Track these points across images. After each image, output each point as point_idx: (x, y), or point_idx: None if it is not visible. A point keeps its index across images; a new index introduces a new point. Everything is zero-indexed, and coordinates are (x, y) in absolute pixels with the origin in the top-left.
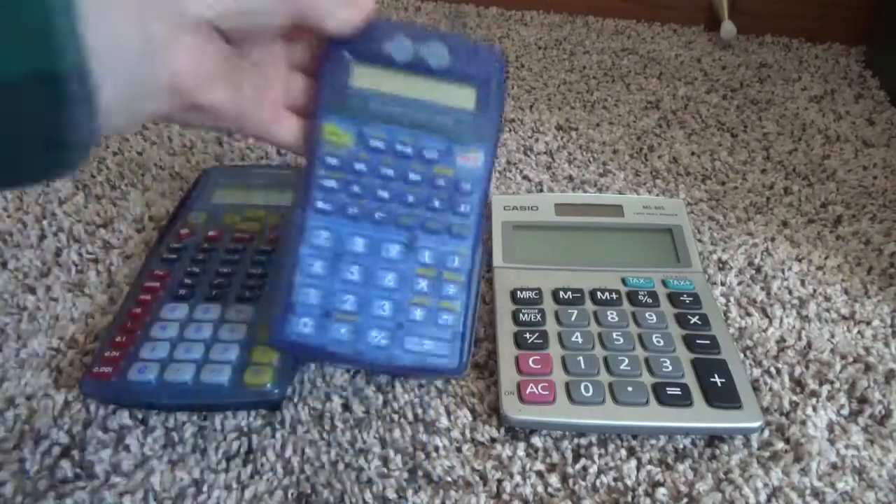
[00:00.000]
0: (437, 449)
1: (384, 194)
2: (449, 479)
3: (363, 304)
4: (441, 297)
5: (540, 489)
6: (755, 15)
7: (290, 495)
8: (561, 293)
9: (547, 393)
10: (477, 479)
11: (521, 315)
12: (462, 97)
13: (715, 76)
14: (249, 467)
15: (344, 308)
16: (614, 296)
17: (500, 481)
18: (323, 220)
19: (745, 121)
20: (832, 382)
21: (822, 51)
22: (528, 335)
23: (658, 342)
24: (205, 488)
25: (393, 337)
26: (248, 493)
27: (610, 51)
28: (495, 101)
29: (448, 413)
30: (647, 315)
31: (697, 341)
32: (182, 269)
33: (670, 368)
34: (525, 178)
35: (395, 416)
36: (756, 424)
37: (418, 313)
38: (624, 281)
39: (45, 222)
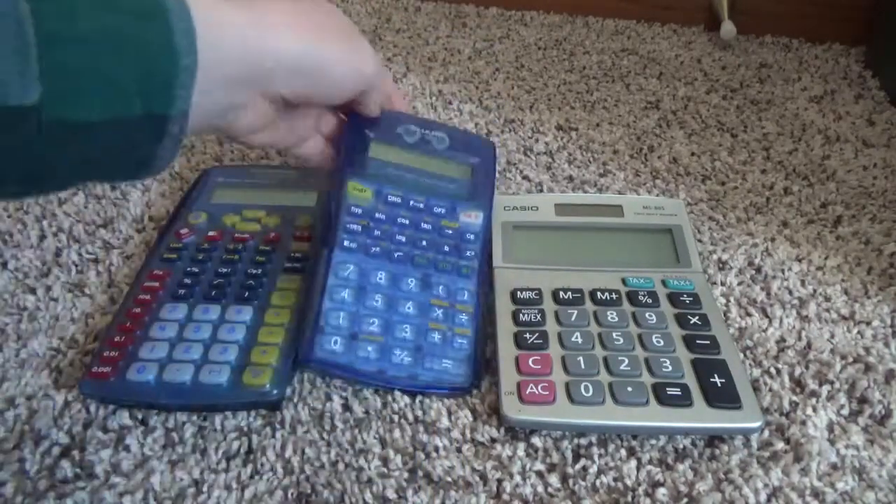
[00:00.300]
0: (437, 449)
1: (401, 238)
2: (449, 479)
3: (387, 327)
4: (454, 324)
5: (540, 489)
6: (755, 15)
7: (290, 495)
8: (561, 293)
9: (547, 393)
10: (477, 479)
11: (521, 315)
12: (460, 171)
13: (715, 76)
14: (249, 467)
15: (370, 330)
16: (614, 296)
17: (500, 481)
18: (348, 256)
19: (745, 121)
20: (832, 382)
21: (822, 51)
22: (528, 335)
23: (658, 342)
24: (205, 488)
25: (414, 357)
26: (248, 493)
27: (610, 51)
28: (488, 176)
29: (448, 413)
30: (647, 315)
31: (697, 341)
32: (182, 269)
33: (670, 368)
34: (525, 178)
35: (395, 417)
36: (756, 424)
37: (436, 337)
38: (624, 281)
39: (45, 222)
